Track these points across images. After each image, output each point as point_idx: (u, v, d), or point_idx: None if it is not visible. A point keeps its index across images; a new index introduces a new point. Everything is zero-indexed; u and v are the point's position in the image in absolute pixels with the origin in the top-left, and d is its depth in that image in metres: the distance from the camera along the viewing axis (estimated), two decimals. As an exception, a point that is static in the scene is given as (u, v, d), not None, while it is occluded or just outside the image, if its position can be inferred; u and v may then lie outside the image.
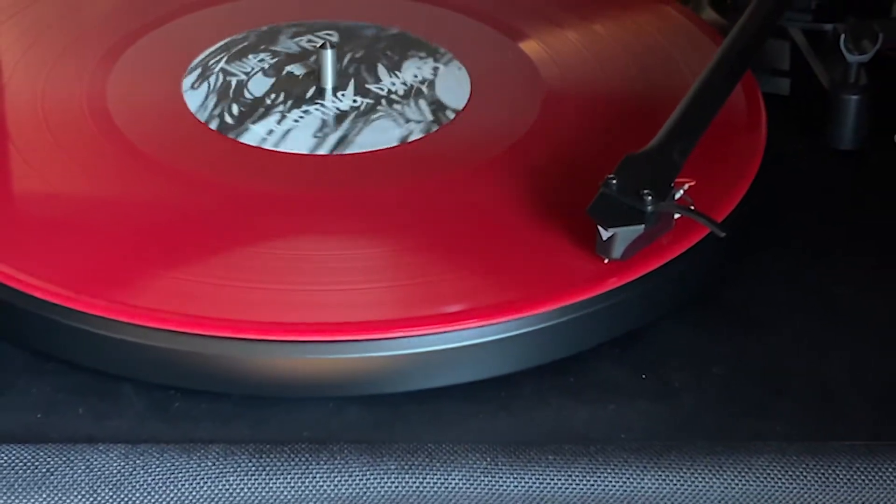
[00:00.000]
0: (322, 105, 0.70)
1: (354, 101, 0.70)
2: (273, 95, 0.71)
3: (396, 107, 0.70)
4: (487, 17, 0.77)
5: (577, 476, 0.55)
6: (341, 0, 0.79)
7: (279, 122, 0.69)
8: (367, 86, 0.71)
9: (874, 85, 0.72)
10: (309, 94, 0.71)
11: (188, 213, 0.64)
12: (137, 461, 0.55)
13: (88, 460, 0.55)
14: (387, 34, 0.75)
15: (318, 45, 0.71)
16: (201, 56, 0.73)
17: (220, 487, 0.55)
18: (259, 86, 0.71)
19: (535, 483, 0.55)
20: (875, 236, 0.68)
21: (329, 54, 0.71)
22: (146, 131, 0.68)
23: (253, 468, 0.55)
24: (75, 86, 0.71)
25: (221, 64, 0.73)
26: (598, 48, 0.75)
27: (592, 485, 0.55)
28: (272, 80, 0.72)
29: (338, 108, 0.70)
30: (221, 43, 0.75)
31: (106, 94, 0.70)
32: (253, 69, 0.73)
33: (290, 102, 0.70)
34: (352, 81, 0.72)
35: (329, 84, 0.71)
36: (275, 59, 0.73)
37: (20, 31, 0.75)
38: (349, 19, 0.77)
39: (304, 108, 0.70)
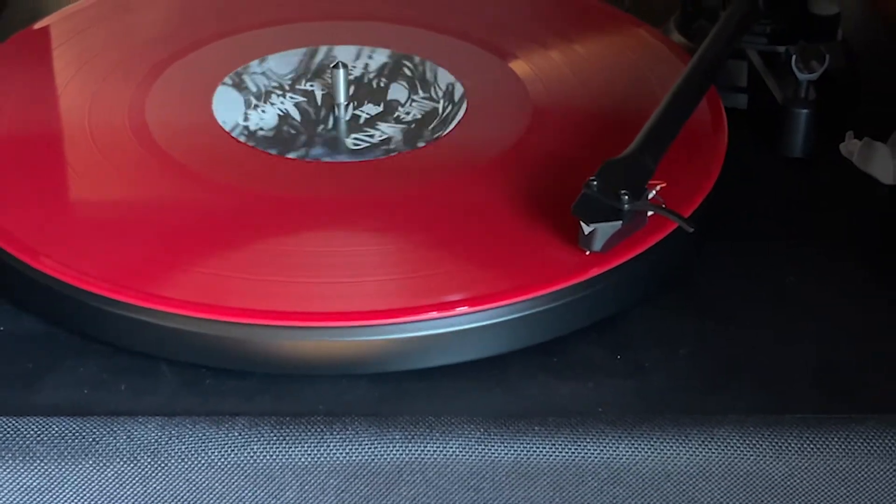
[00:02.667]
0: (332, 119, 0.70)
1: (362, 116, 0.70)
2: (290, 103, 0.71)
3: (396, 123, 0.70)
4: (480, 41, 0.77)
5: (560, 445, 0.55)
6: (363, 26, 0.79)
7: (294, 132, 0.69)
8: (371, 103, 0.71)
9: (821, 100, 0.72)
10: (320, 108, 0.71)
11: (217, 215, 0.63)
12: (172, 432, 0.55)
13: (129, 431, 0.55)
14: (413, 61, 0.75)
15: (332, 66, 0.71)
16: (236, 73, 0.73)
17: (245, 455, 0.55)
18: (284, 98, 0.71)
19: (523, 451, 0.55)
20: (822, 233, 0.67)
21: (340, 75, 0.70)
22: (180, 143, 0.68)
23: (274, 438, 0.55)
24: (118, 103, 0.71)
25: (257, 78, 0.73)
26: (580, 67, 0.75)
27: (574, 453, 0.55)
28: (294, 93, 0.72)
29: (346, 119, 0.70)
30: (256, 61, 0.74)
31: (145, 110, 0.70)
32: (280, 84, 0.72)
33: (303, 111, 0.70)
34: (359, 99, 0.71)
35: (341, 100, 0.71)
36: (297, 74, 0.73)
37: (71, 55, 0.75)
38: (364, 43, 0.77)
39: (316, 120, 0.70)
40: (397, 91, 0.72)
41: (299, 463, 0.55)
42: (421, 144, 0.68)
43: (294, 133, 0.69)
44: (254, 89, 0.72)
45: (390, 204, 0.64)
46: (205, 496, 0.55)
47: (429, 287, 0.59)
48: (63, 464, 0.54)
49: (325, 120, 0.70)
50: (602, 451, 0.55)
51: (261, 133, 0.69)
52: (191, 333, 0.58)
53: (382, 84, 0.73)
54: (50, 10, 0.81)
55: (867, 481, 0.56)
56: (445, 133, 0.69)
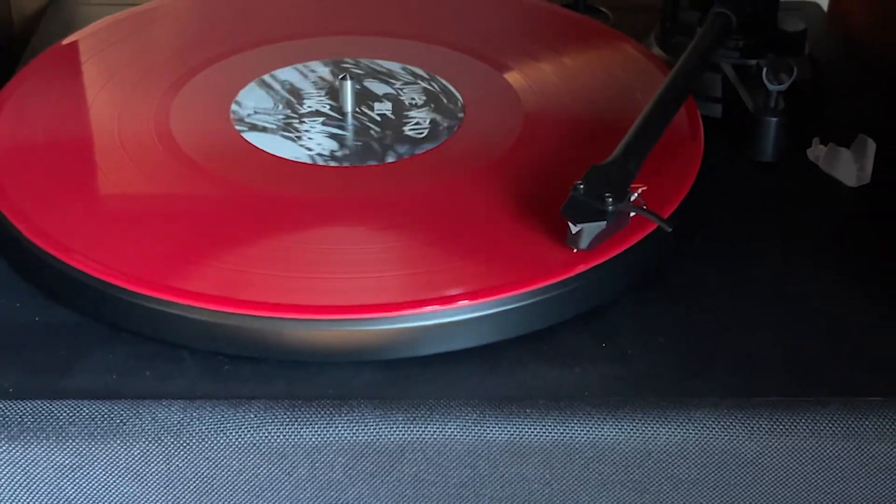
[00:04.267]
0: (340, 127, 0.70)
1: (368, 123, 0.70)
2: (302, 112, 0.71)
3: (400, 131, 0.70)
4: (480, 54, 0.77)
5: (550, 426, 0.55)
6: (370, 41, 0.79)
7: (301, 135, 0.69)
8: (377, 112, 0.71)
9: (789, 109, 0.72)
10: (332, 115, 0.71)
11: (235, 214, 0.63)
12: (194, 414, 0.55)
13: (154, 413, 0.55)
14: (415, 72, 0.75)
15: (341, 78, 0.71)
16: (254, 84, 0.73)
17: (260, 435, 0.55)
18: (297, 107, 0.71)
19: (515, 431, 0.55)
20: (791, 232, 0.67)
21: (348, 86, 0.70)
22: (201, 148, 0.68)
23: (287, 419, 0.55)
24: (144, 111, 0.71)
25: (272, 89, 0.73)
26: (568, 78, 0.75)
27: (562, 433, 0.55)
28: (307, 102, 0.72)
29: (354, 127, 0.70)
30: (271, 73, 0.74)
31: (169, 118, 0.70)
32: (293, 94, 0.73)
33: (314, 120, 0.70)
34: (366, 108, 0.72)
35: (349, 108, 0.71)
36: (309, 85, 0.73)
37: (101, 67, 0.75)
38: (370, 56, 0.77)
39: (326, 129, 0.70)
40: (401, 100, 0.72)
41: (310, 442, 0.55)
42: (424, 149, 0.68)
43: (307, 140, 0.69)
44: (268, 99, 0.72)
45: (394, 205, 0.64)
46: (223, 473, 0.55)
47: (429, 281, 0.59)
48: (93, 443, 0.54)
49: (335, 127, 0.70)
50: (588, 431, 0.55)
51: (277, 139, 0.69)
52: (210, 324, 0.58)
53: (387, 94, 0.73)
54: (80, 26, 0.81)
55: (832, 459, 0.56)
56: (446, 139, 0.69)
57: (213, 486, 0.55)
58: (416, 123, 0.70)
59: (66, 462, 0.55)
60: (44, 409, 0.55)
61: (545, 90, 0.74)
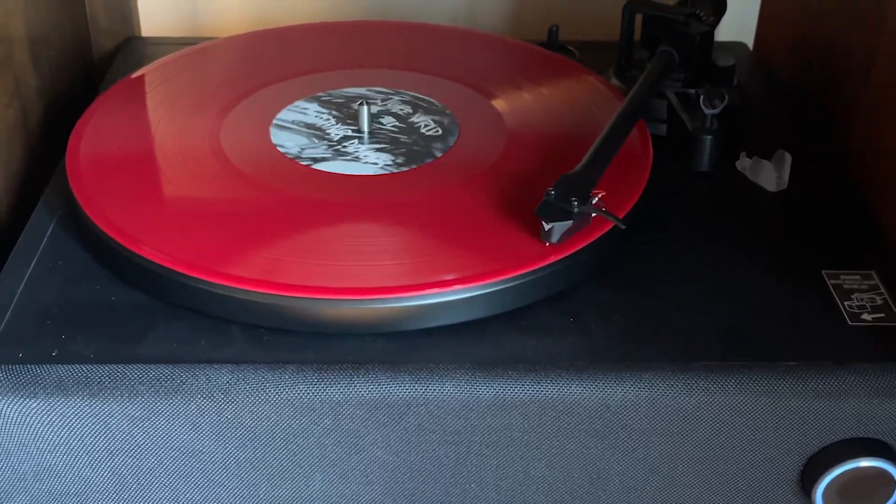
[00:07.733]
0: (358, 143, 0.70)
1: (378, 142, 0.70)
2: (328, 134, 0.71)
3: (406, 146, 0.70)
4: (472, 84, 0.77)
5: (528, 385, 0.55)
6: (382, 73, 0.79)
7: (331, 153, 0.69)
8: (388, 131, 0.71)
9: (722, 129, 0.72)
10: (350, 135, 0.71)
11: (274, 214, 0.63)
12: (240, 376, 0.55)
13: (208, 375, 0.55)
14: (416, 98, 0.75)
15: (358, 104, 0.71)
16: (288, 108, 0.73)
17: (294, 392, 0.55)
18: (323, 127, 0.71)
19: (500, 390, 0.55)
20: (724, 231, 0.67)
21: (365, 110, 0.70)
22: (245, 160, 0.68)
23: (316, 380, 0.55)
24: (199, 131, 0.71)
25: (303, 112, 0.73)
26: (543, 103, 0.75)
27: (537, 391, 0.55)
28: (331, 123, 0.72)
29: (368, 144, 0.70)
30: (302, 99, 0.74)
31: (219, 136, 0.70)
32: (320, 117, 0.72)
33: (338, 139, 0.70)
34: (379, 128, 0.72)
35: (365, 129, 0.71)
36: (333, 109, 0.73)
37: (165, 94, 0.75)
38: (384, 86, 0.77)
39: (347, 144, 0.70)
40: (407, 121, 0.72)
41: (334, 398, 0.55)
42: (426, 162, 0.68)
43: (330, 153, 0.69)
44: (301, 120, 0.72)
45: (402, 207, 0.64)
46: (263, 423, 0.55)
47: (429, 269, 0.59)
48: (159, 399, 0.55)
49: (353, 143, 0.70)
50: (558, 389, 0.55)
51: (306, 152, 0.69)
52: (255, 303, 0.58)
53: (397, 116, 0.73)
54: (148, 62, 0.81)
55: (756, 412, 0.56)
56: (443, 154, 0.69)
57: (255, 433, 0.56)
58: (420, 140, 0.70)
59: (137, 414, 0.55)
60: (119, 372, 0.55)
61: (525, 114, 0.74)
